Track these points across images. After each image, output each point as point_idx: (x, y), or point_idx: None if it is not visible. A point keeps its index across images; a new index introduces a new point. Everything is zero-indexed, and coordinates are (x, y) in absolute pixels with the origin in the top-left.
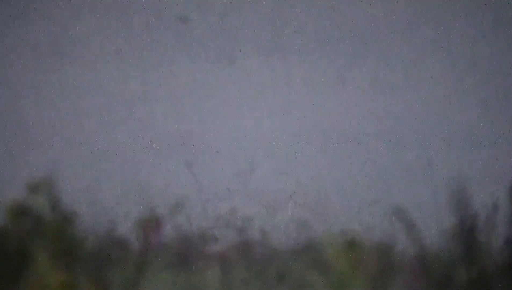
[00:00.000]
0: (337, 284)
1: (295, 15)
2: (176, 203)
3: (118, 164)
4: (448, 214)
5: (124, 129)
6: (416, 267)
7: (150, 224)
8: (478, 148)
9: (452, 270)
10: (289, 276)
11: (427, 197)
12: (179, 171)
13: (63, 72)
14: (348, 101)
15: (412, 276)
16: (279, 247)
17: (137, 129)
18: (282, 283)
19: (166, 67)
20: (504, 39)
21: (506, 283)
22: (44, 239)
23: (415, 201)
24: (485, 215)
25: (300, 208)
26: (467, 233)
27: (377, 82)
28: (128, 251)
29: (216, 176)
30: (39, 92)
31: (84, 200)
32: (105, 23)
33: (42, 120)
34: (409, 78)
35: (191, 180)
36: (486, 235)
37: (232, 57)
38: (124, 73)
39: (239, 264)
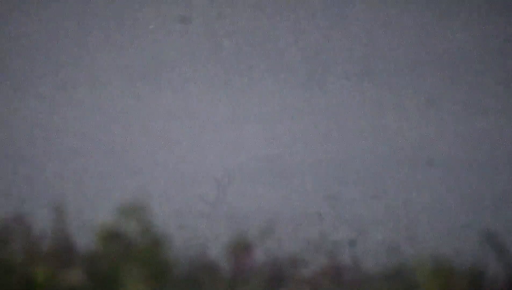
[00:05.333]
0: None
1: (385, 40)
2: (266, 227)
3: (208, 188)
4: None
5: (213, 153)
6: None
7: (241, 248)
8: None
9: None
10: None
11: None
12: (269, 195)
13: (153, 97)
14: (439, 125)
15: None
16: (369, 272)
17: (226, 153)
18: None
19: (256, 91)
20: None
21: None
22: (134, 263)
23: (506, 226)
24: None
25: (390, 233)
26: None
27: (468, 106)
28: (219, 275)
29: (307, 200)
30: (130, 116)
31: (174, 224)
32: (195, 48)
33: (132, 144)
34: (501, 102)
35: (281, 204)
36: None
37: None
38: (213, 97)
39: (329, 288)
